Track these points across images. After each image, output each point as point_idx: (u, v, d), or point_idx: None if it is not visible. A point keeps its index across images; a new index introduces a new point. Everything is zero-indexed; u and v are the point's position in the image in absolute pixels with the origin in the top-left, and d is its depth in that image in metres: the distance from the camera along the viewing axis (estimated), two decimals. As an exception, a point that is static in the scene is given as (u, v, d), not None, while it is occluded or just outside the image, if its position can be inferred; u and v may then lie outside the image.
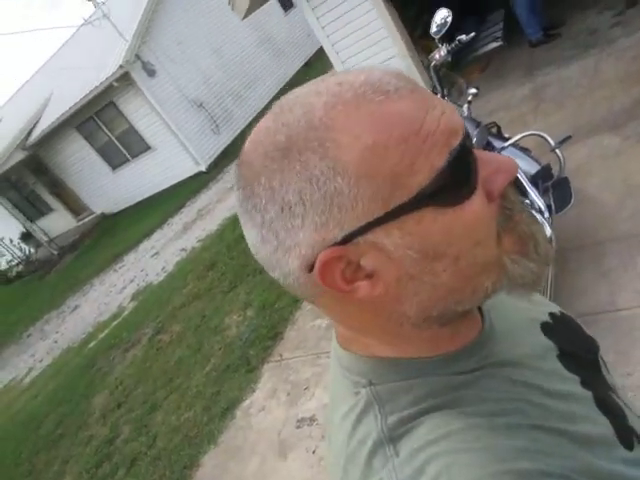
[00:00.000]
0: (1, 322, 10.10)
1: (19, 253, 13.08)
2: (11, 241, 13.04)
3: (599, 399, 0.51)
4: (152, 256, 7.78)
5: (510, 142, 2.72)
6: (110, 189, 12.03)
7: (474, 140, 2.50)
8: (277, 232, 0.40)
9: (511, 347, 0.51)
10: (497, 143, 2.74)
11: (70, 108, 10.39)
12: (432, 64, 2.58)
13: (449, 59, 2.57)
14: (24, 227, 12.84)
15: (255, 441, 2.85)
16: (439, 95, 2.62)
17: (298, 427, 2.70)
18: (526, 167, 2.73)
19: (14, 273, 13.31)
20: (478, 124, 2.55)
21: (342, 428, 0.47)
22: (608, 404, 0.52)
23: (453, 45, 2.52)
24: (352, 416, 0.46)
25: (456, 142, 0.39)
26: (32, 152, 12.05)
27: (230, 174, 9.25)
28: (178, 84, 10.36)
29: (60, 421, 4.71)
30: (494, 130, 2.86)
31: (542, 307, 0.63)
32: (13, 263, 13.39)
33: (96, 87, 9.77)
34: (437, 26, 2.53)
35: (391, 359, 0.47)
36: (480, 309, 0.53)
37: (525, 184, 2.52)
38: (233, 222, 6.64)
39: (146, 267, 7.46)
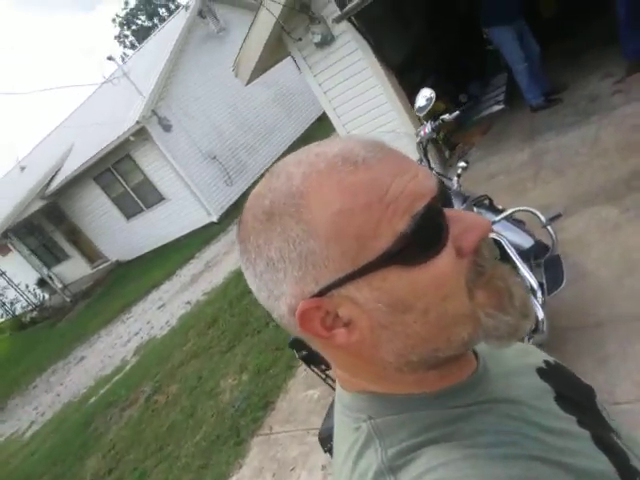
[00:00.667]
0: (10, 372, 10.09)
1: (34, 299, 13.24)
2: (27, 287, 13.24)
3: (597, 438, 0.52)
4: (159, 308, 7.78)
5: (501, 216, 2.68)
6: (124, 237, 12.24)
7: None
8: (267, 283, 0.45)
9: (506, 387, 0.53)
10: (488, 216, 2.71)
11: (89, 159, 10.76)
12: (417, 140, 2.59)
13: (434, 136, 2.58)
14: (40, 273, 13.03)
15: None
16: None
17: (282, 512, 2.56)
18: (519, 241, 2.67)
19: (28, 319, 13.44)
20: (465, 199, 2.52)
21: (345, 465, 0.48)
22: (608, 443, 0.52)
23: (437, 123, 2.54)
24: (353, 452, 0.48)
25: (420, 206, 0.42)
26: (51, 201, 12.43)
27: (240, 225, 9.34)
28: (193, 138, 10.68)
29: (51, 484, 4.59)
30: (486, 202, 2.83)
31: (537, 355, 0.65)
32: (28, 309, 13.54)
33: (113, 141, 10.14)
34: (420, 106, 2.56)
35: (385, 394, 0.49)
36: (475, 351, 0.54)
37: (516, 260, 2.45)
38: (237, 276, 6.64)
39: (152, 319, 7.45)
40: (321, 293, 0.44)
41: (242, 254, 0.47)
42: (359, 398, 0.51)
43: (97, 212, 12.26)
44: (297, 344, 1.87)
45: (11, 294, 13.99)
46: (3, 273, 13.48)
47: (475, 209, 2.71)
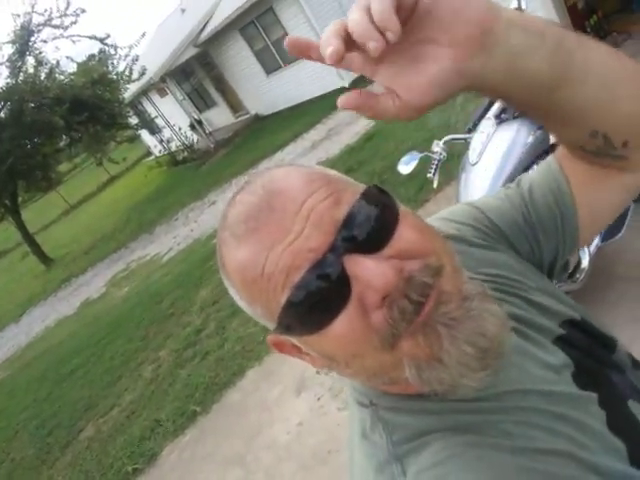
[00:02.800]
0: (160, 202, 11.91)
1: (185, 140, 14.82)
2: (180, 129, 14.79)
3: (613, 419, 0.50)
4: (278, 169, 8.35)
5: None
6: (263, 92, 12.72)
7: (531, 143, 2.30)
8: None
9: (518, 374, 0.50)
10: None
11: (236, 10, 10.90)
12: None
13: (442, 157, 2.41)
14: (191, 118, 14.37)
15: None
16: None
17: (318, 373, 3.02)
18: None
19: (180, 157, 15.26)
20: (540, 127, 2.31)
21: (354, 445, 0.52)
22: (623, 423, 0.51)
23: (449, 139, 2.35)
24: (359, 432, 0.51)
25: (297, 278, 0.41)
26: (203, 49, 13.12)
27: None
28: (335, -6, 10.14)
29: (174, 302, 5.74)
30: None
31: (554, 313, 0.59)
32: (180, 148, 15.30)
33: (257, -8, 10.05)
34: None
35: (384, 390, 0.50)
36: None
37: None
38: (350, 150, 6.79)
39: (271, 179, 8.08)
40: (275, 331, 0.46)
41: None
42: (362, 383, 0.53)
43: (242, 65, 12.72)
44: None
45: (167, 133, 15.80)
46: (162, 114, 15.11)
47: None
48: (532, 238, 0.62)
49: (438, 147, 2.50)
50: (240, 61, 12.66)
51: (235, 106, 14.56)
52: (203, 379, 3.78)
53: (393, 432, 0.47)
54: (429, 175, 2.53)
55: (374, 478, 0.45)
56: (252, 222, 0.43)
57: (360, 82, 10.16)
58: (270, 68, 11.99)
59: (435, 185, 2.66)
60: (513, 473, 0.41)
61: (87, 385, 5.04)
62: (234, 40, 12.22)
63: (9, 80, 11.01)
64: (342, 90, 10.36)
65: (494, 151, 2.31)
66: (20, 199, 12.81)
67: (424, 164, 2.57)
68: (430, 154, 2.52)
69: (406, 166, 2.60)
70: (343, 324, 0.41)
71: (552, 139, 2.40)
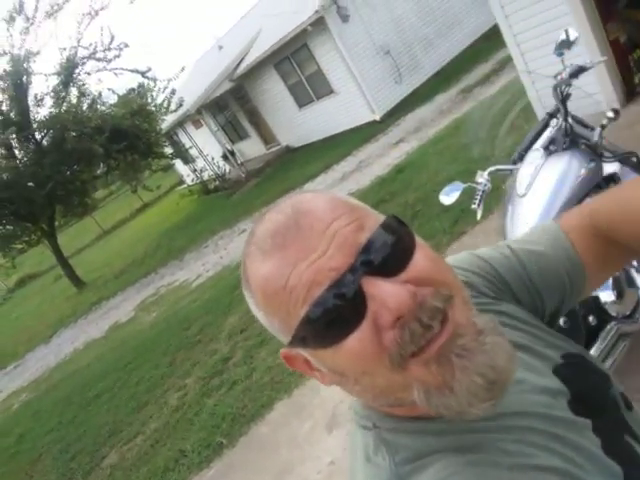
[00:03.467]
0: (191, 229, 12.07)
1: (217, 170, 15.12)
2: (212, 159, 15.12)
3: (609, 446, 0.52)
4: (309, 199, 8.38)
5: (645, 178, 2.31)
6: (295, 125, 12.95)
7: (584, 176, 2.21)
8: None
9: (518, 397, 0.53)
10: (629, 178, 2.36)
11: (272, 46, 11.25)
12: (555, 84, 2.28)
13: (571, 83, 2.24)
14: (224, 148, 14.69)
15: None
16: (561, 119, 2.32)
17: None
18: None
19: (212, 186, 15.55)
20: (593, 159, 2.22)
21: (356, 469, 0.53)
22: (622, 451, 0.52)
23: (577, 68, 2.19)
24: (362, 456, 0.52)
25: (317, 294, 0.43)
26: (238, 83, 13.51)
27: (401, 127, 9.21)
28: (369, 29, 10.36)
29: (202, 329, 5.71)
30: (633, 160, 2.44)
31: (556, 347, 0.63)
32: (212, 177, 15.60)
33: (293, 29, 10.35)
34: (559, 45, 2.21)
35: (386, 412, 0.52)
36: None
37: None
38: (380, 182, 6.77)
39: (302, 209, 8.10)
40: (289, 345, 0.48)
41: None
42: (365, 406, 0.55)
43: (275, 98, 13.03)
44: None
45: (200, 163, 16.17)
46: (196, 144, 15.50)
47: (619, 167, 2.38)
48: (535, 293, 0.67)
49: (482, 178, 2.43)
50: (274, 95, 12.97)
51: (267, 138, 14.85)
52: (230, 409, 3.69)
53: (396, 453, 0.48)
54: (473, 206, 2.45)
55: None
56: (279, 238, 0.46)
57: (391, 116, 10.25)
58: (303, 102, 12.24)
59: (479, 217, 2.58)
60: None
61: (112, 410, 5.00)
62: (269, 75, 12.55)
63: (53, 109, 11.51)
64: (373, 123, 10.46)
65: (544, 183, 2.23)
66: (57, 223, 13.17)
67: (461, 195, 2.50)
68: (474, 185, 2.45)
69: (448, 196, 2.52)
70: (356, 341, 0.43)
71: (605, 171, 2.30)
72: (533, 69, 4.61)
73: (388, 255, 0.44)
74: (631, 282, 2.08)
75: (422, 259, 0.46)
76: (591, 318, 1.98)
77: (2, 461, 5.46)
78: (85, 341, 8.45)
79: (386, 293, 0.42)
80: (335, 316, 0.43)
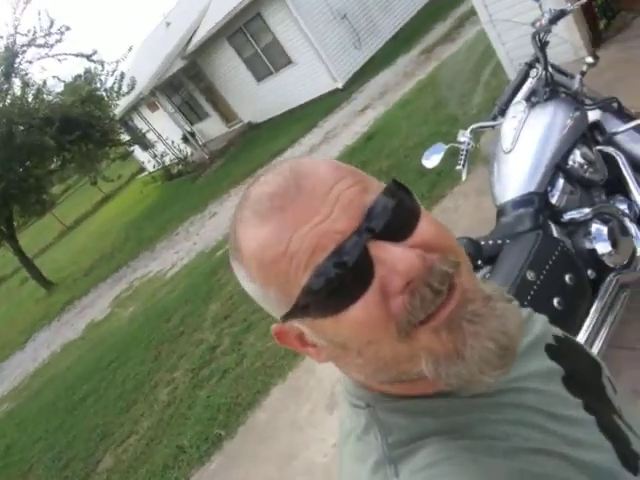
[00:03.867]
0: (158, 218, 11.72)
1: (179, 154, 14.65)
2: (172, 142, 14.62)
3: (602, 424, 0.52)
4: (279, 175, 8.20)
5: (629, 125, 2.28)
6: (255, 100, 12.60)
7: (570, 126, 2.14)
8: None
9: (514, 373, 0.51)
10: (612, 125, 2.32)
11: (223, 18, 10.81)
12: (534, 31, 2.19)
13: (550, 29, 2.15)
14: (183, 130, 14.21)
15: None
16: (541, 69, 2.23)
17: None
18: (644, 155, 2.29)
19: (175, 171, 15.09)
20: (578, 107, 2.15)
21: (345, 449, 0.51)
22: (612, 429, 0.52)
23: (557, 12, 2.10)
24: (353, 435, 0.50)
25: (321, 259, 0.41)
26: (191, 60, 13.00)
27: (365, 94, 9.03)
28: (323, -6, 10.04)
29: (183, 319, 5.55)
30: (614, 106, 2.38)
31: (546, 328, 0.63)
32: (174, 162, 15.12)
33: (244, -1, 9.93)
34: None
35: (382, 391, 0.50)
36: None
37: (629, 179, 2.14)
38: (351, 152, 6.66)
39: (272, 186, 7.92)
40: (283, 320, 0.46)
41: None
42: (358, 385, 0.52)
43: (231, 73, 12.61)
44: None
45: (160, 147, 15.63)
46: (153, 128, 14.94)
47: (600, 114, 2.32)
48: None
49: (465, 137, 2.33)
50: (230, 70, 12.54)
51: (227, 116, 14.42)
52: (224, 400, 3.59)
53: (389, 434, 0.46)
54: (458, 167, 2.36)
55: (368, 479, 0.45)
56: (278, 200, 0.43)
57: (353, 83, 10.04)
58: (261, 75, 11.88)
59: (464, 177, 2.50)
60: (506, 477, 0.41)
61: (101, 412, 4.83)
62: (222, 49, 12.10)
63: (-4, 104, 10.82)
64: (336, 92, 10.24)
65: (530, 136, 2.15)
66: (15, 224, 12.57)
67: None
68: (456, 144, 2.36)
69: (430, 160, 2.43)
70: (362, 308, 0.41)
71: (590, 118, 2.24)
72: (497, 20, 4.51)
73: (395, 219, 0.42)
74: (625, 231, 2.05)
75: (428, 224, 0.44)
76: (590, 272, 1.94)
77: (-10, 476, 5.27)
78: (62, 343, 8.17)
79: (396, 257, 0.41)
80: (340, 282, 0.41)
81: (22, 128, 10.55)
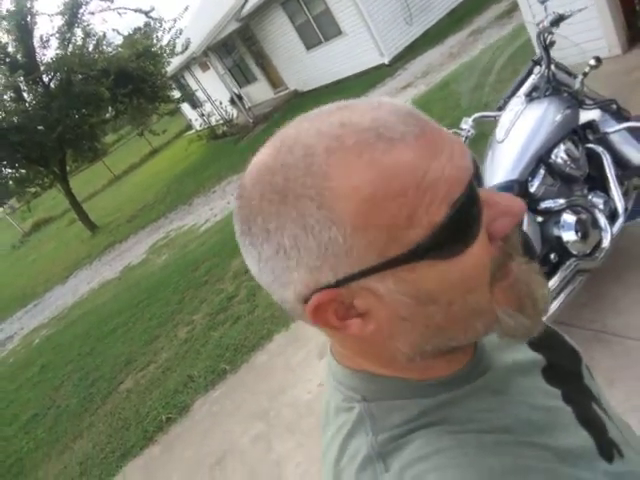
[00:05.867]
0: (200, 174, 12.21)
1: (225, 115, 15.03)
2: (220, 103, 14.99)
3: (580, 413, 0.52)
4: (314, 145, 8.44)
5: (622, 126, 2.42)
6: (303, 68, 12.74)
7: (559, 122, 2.31)
8: (273, 269, 0.41)
9: (499, 365, 0.53)
10: (607, 125, 2.47)
11: (279, -18, 10.92)
12: (537, 31, 2.35)
13: (553, 30, 2.30)
14: (231, 92, 14.54)
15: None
16: (544, 67, 2.40)
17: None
18: (630, 156, 2.44)
19: (220, 131, 15.51)
20: (570, 105, 2.31)
21: (334, 442, 0.48)
22: (589, 418, 0.53)
23: (556, 16, 2.25)
24: (344, 431, 0.47)
25: (458, 193, 0.39)
26: (244, 23, 13.19)
27: (409, 71, 9.07)
28: (379, -34, 9.98)
29: (209, 270, 5.99)
30: (613, 107, 2.53)
31: None
32: (220, 122, 15.53)
33: (300, -35, 10.00)
34: None
35: (385, 377, 0.48)
36: None
37: (610, 177, 2.30)
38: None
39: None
40: (338, 284, 0.40)
41: (243, 235, 0.43)
42: (355, 376, 0.49)
43: (282, 39, 12.75)
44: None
45: (208, 107, 16.05)
46: (203, 88, 15.33)
47: (599, 114, 2.47)
48: None
49: (467, 124, 2.53)
50: (281, 36, 12.69)
51: (275, 81, 14.64)
52: (233, 341, 4.00)
53: (381, 431, 0.45)
54: None
55: (356, 477, 0.44)
56: (413, 124, 0.39)
57: (400, 59, 10.05)
58: (310, 43, 11.98)
59: None
60: (495, 471, 0.41)
61: (127, 342, 5.38)
62: (276, 14, 12.23)
63: (59, 51, 11.43)
64: (382, 67, 10.28)
65: (521, 129, 2.34)
66: (68, 168, 13.37)
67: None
68: (458, 131, 2.56)
69: None
70: (477, 251, 0.41)
71: (585, 118, 2.40)
72: (540, 19, 4.55)
73: (479, 173, 0.44)
74: (595, 224, 2.23)
75: None
76: (552, 255, 2.15)
77: (28, 388, 5.95)
78: (100, 281, 8.85)
79: (508, 200, 0.42)
80: (470, 219, 0.40)
81: (80, 77, 11.14)
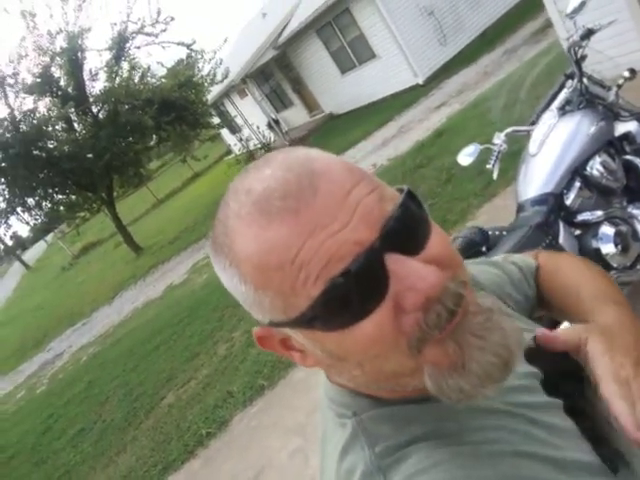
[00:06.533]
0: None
1: (262, 139, 15.42)
2: (257, 128, 15.41)
3: (581, 425, 0.52)
4: (350, 165, 8.55)
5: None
6: (338, 92, 13.00)
7: (593, 134, 2.30)
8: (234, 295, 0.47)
9: None
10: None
11: (314, 12, 11.25)
12: (568, 45, 2.36)
13: (582, 45, 2.31)
14: (268, 117, 14.94)
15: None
16: (576, 80, 2.40)
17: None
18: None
19: (258, 155, 15.88)
20: (604, 118, 2.30)
21: (331, 460, 0.49)
22: (591, 429, 0.52)
23: (586, 30, 2.26)
24: (339, 448, 0.48)
25: (338, 270, 0.38)
26: (281, 50, 13.63)
27: (444, 91, 9.11)
28: (412, -11, 10.17)
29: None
30: (646, 121, 2.49)
31: (529, 328, 0.62)
32: (258, 146, 15.93)
33: (334, -6, 10.31)
34: (574, 7, 2.27)
35: (368, 394, 0.49)
36: None
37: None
38: (420, 147, 6.83)
39: (342, 175, 8.28)
40: (270, 324, 0.44)
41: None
42: (344, 392, 0.50)
43: (317, 65, 13.10)
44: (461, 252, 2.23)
45: (246, 132, 16.51)
46: (241, 113, 15.82)
47: (636, 125, 2.45)
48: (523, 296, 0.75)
49: (499, 139, 2.55)
50: (316, 61, 13.02)
51: (311, 105, 14.96)
52: (271, 358, 4.06)
53: (376, 444, 0.45)
54: (488, 166, 2.59)
55: None
56: (292, 202, 0.40)
57: (434, 80, 10.12)
58: (345, 67, 12.24)
59: (495, 176, 2.72)
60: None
61: (169, 359, 5.53)
62: (311, 41, 12.59)
63: (107, 83, 12.11)
64: (416, 87, 10.37)
65: (555, 141, 2.34)
66: (115, 194, 13.98)
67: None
68: (491, 146, 2.58)
69: (466, 157, 2.67)
70: (374, 324, 0.40)
71: (621, 130, 2.38)
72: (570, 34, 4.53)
73: (411, 231, 0.41)
74: (636, 236, 2.19)
75: (439, 237, 0.43)
76: None
77: (76, 404, 6.17)
78: (144, 301, 9.14)
79: (417, 273, 0.39)
80: (354, 296, 0.39)
81: (127, 107, 11.74)
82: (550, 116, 2.47)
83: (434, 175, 5.52)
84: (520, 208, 2.38)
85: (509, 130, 2.63)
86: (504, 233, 2.17)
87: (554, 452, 0.46)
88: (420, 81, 10.36)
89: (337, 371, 0.47)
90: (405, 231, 0.40)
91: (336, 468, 0.47)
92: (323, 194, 0.40)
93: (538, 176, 2.35)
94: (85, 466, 4.45)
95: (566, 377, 0.57)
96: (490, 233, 2.17)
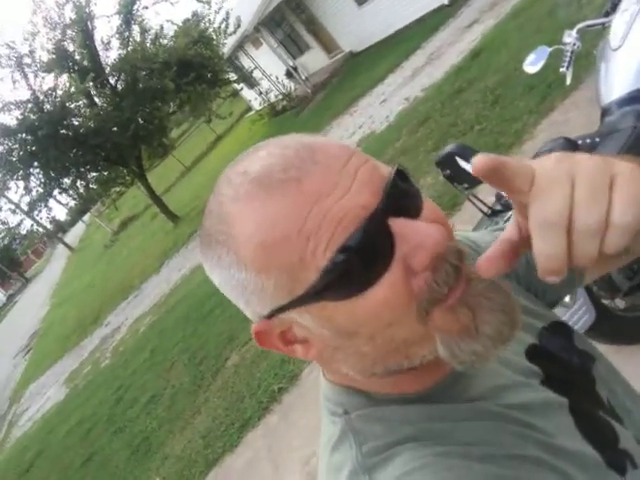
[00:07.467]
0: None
1: (283, 89, 14.95)
2: (277, 78, 14.91)
3: (586, 425, 0.51)
4: (380, 103, 8.13)
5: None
6: (356, 26, 12.28)
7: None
8: (226, 292, 0.46)
9: (489, 380, 0.51)
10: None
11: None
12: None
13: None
14: (286, 65, 14.39)
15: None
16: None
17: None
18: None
19: (280, 107, 15.47)
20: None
21: (323, 456, 0.50)
22: (596, 429, 0.51)
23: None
24: (330, 445, 0.48)
25: (346, 235, 0.38)
26: (291, -10, 12.91)
27: (473, 7, 8.41)
28: None
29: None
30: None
31: (534, 323, 0.60)
32: (279, 98, 15.48)
33: None
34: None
35: (362, 390, 0.49)
36: None
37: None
38: (457, 71, 6.37)
39: (374, 114, 7.90)
40: (269, 316, 0.44)
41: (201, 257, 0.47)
42: (337, 390, 0.51)
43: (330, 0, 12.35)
44: (440, 164, 2.00)
45: (265, 84, 16.03)
46: (258, 65, 15.30)
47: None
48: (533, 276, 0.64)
49: (571, 37, 2.24)
50: (330, -4, 12.27)
51: (329, 46, 14.27)
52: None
53: (364, 442, 0.46)
54: (562, 70, 2.28)
55: None
56: (294, 171, 0.40)
57: (460, -3, 9.35)
58: (361, -2, 11.48)
59: (569, 81, 2.41)
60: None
61: (226, 321, 5.54)
62: (322, -26, 11.82)
63: (120, 51, 11.83)
64: (442, 8, 9.64)
65: None
66: (144, 165, 13.98)
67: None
68: (561, 46, 2.27)
69: (534, 65, 2.37)
70: (386, 286, 0.40)
71: None
72: None
73: (410, 195, 0.42)
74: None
75: (431, 205, 0.44)
76: None
77: (142, 372, 6.35)
78: (190, 267, 9.21)
79: (424, 231, 0.39)
80: (365, 260, 0.39)
81: (144, 73, 11.48)
82: (631, 2, 2.12)
83: (478, 98, 5.11)
84: (605, 112, 2.10)
85: (582, 25, 2.30)
86: (596, 140, 1.91)
87: (551, 456, 0.45)
88: (446, 0, 9.61)
89: (343, 355, 0.45)
90: (404, 195, 0.41)
91: (326, 464, 0.48)
92: (323, 163, 0.40)
93: (625, 72, 2.05)
94: (162, 430, 4.57)
95: (571, 373, 0.56)
96: (580, 142, 1.91)
